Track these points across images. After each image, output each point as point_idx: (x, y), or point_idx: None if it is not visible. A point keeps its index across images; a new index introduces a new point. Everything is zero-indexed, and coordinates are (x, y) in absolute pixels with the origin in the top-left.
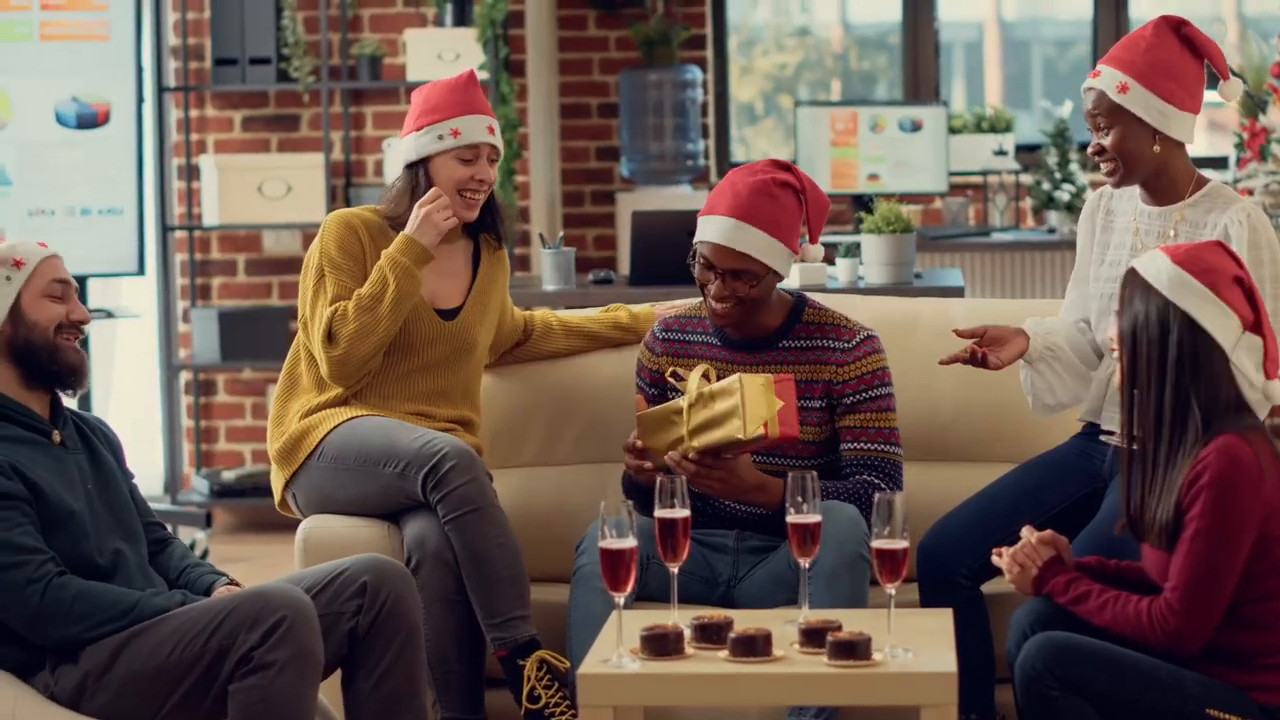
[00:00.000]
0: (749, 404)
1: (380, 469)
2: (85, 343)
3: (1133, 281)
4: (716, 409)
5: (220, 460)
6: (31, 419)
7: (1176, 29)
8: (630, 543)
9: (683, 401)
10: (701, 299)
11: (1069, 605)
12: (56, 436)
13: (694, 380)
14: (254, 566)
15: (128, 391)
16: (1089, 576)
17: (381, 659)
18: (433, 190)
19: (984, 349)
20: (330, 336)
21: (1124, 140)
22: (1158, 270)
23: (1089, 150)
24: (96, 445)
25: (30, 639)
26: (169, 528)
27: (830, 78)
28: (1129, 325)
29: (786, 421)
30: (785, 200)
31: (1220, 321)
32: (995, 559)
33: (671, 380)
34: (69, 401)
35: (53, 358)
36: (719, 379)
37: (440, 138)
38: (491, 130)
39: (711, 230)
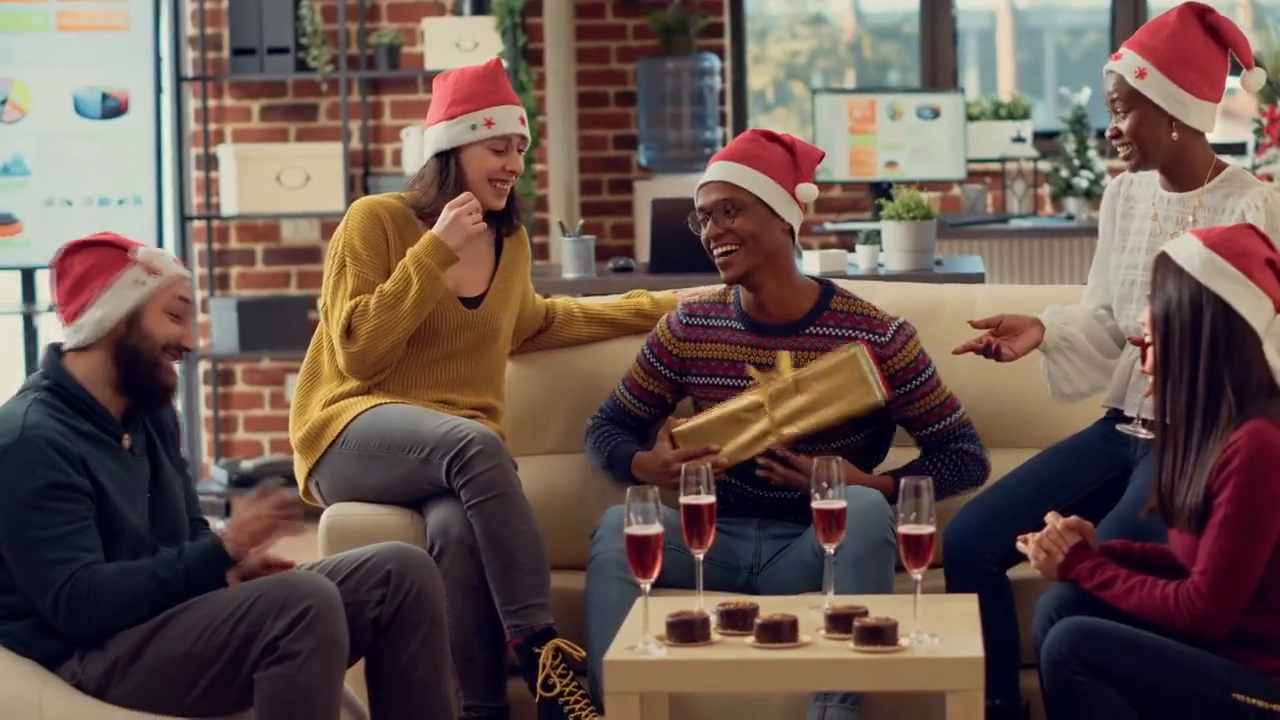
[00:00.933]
0: (872, 373)
1: (405, 455)
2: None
3: (1164, 265)
4: (820, 389)
5: (239, 450)
6: (105, 421)
7: (1201, 16)
8: (656, 529)
9: (757, 396)
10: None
11: (1095, 590)
12: (126, 441)
13: (786, 363)
14: None
15: None
16: (1115, 560)
17: (406, 648)
18: (464, 194)
19: (998, 341)
20: (349, 331)
21: (1140, 126)
22: (1189, 254)
23: (1108, 133)
24: (159, 451)
25: (59, 629)
26: None
27: (843, 66)
28: (1161, 309)
29: (887, 386)
30: (772, 148)
31: (1253, 304)
32: (1021, 545)
33: (756, 374)
34: None
35: (151, 373)
36: (751, 365)
37: (474, 127)
38: (522, 120)
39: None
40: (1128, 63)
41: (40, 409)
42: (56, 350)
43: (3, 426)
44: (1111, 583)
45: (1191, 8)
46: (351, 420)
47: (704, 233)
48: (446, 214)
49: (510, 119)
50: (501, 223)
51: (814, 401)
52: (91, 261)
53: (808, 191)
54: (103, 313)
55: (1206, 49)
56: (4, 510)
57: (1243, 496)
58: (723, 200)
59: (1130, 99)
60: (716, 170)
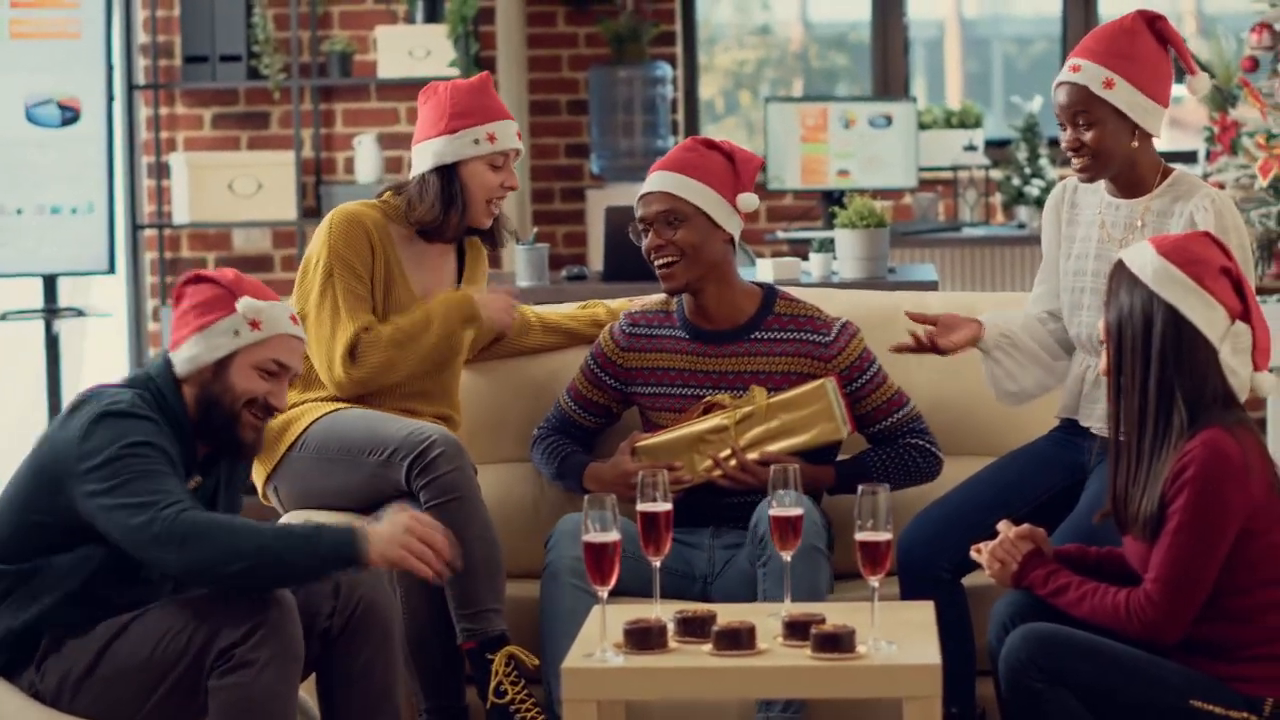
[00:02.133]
0: (839, 406)
1: (365, 457)
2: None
3: (1119, 273)
4: (785, 419)
5: None
6: (187, 450)
7: (1150, 23)
8: (614, 536)
9: (724, 419)
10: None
11: (1049, 598)
12: (192, 483)
13: (761, 394)
14: None
15: None
16: (1070, 566)
17: (357, 659)
18: (511, 287)
19: (932, 338)
20: (353, 355)
21: (1105, 136)
22: (1143, 262)
23: (1064, 145)
24: (219, 500)
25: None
26: None
27: (791, 75)
28: (1114, 317)
29: (853, 421)
30: (711, 156)
31: (1205, 313)
32: (975, 554)
33: (719, 400)
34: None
35: (229, 426)
36: (696, 375)
37: (476, 142)
38: (519, 135)
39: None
40: (1091, 73)
41: (142, 403)
42: (168, 361)
43: (113, 398)
44: (1064, 590)
45: (1143, 15)
46: (310, 424)
47: (645, 243)
48: (496, 291)
49: (509, 134)
50: (485, 239)
51: (779, 430)
52: (201, 298)
53: (748, 201)
54: (194, 353)
55: (1157, 55)
56: (108, 451)
57: (1197, 506)
58: (664, 211)
59: (1096, 110)
60: (657, 180)
